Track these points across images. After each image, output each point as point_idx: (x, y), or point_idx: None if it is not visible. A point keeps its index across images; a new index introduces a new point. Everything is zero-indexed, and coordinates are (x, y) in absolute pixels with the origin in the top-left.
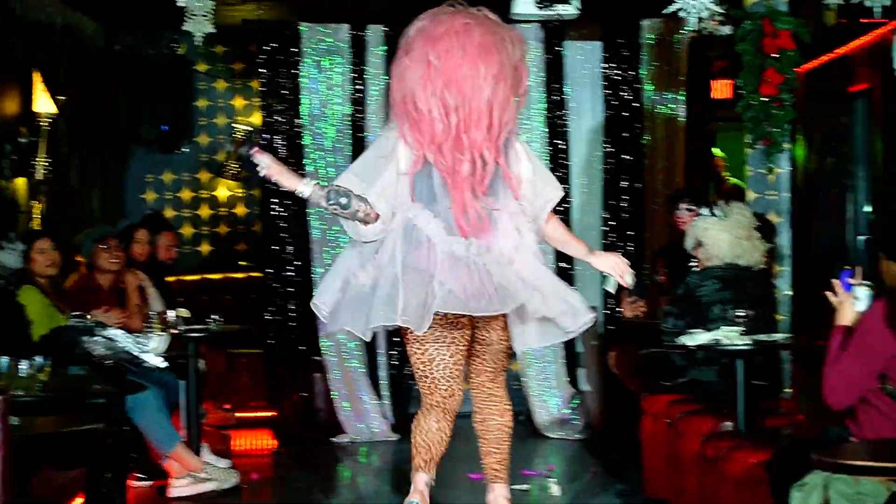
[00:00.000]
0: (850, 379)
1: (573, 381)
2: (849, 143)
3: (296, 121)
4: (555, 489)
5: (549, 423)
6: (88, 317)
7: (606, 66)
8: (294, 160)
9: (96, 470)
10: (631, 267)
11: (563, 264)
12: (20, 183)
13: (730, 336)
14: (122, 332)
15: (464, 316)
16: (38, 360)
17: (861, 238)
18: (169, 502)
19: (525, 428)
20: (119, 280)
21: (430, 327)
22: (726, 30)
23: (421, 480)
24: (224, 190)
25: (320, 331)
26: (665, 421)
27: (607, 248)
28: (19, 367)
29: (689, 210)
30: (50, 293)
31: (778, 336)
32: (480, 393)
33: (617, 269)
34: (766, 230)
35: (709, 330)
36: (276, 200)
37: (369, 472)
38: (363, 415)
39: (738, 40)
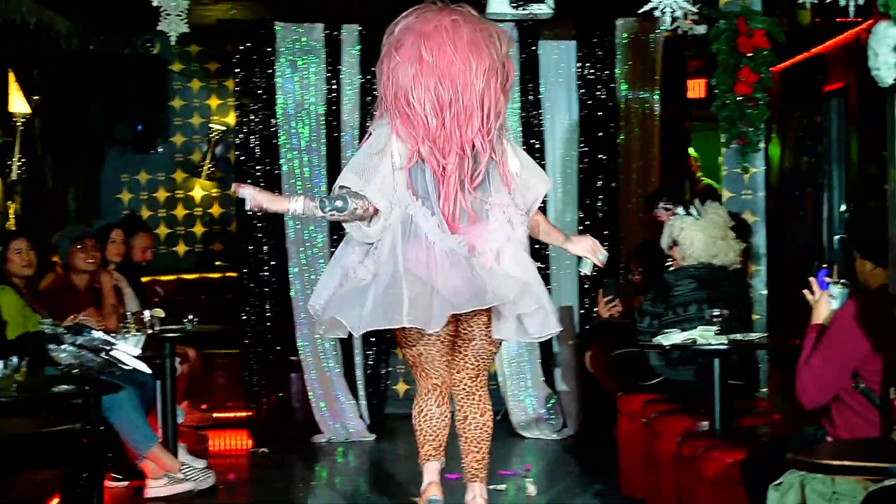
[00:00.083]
0: (822, 378)
1: (550, 381)
2: (824, 142)
3: (271, 120)
4: (531, 489)
5: (525, 422)
6: (71, 320)
7: (581, 65)
8: (269, 160)
9: (72, 470)
10: (606, 267)
11: (538, 264)
12: None
13: (705, 335)
14: (103, 334)
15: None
16: (14, 360)
17: (836, 237)
18: (145, 503)
19: (501, 428)
20: (95, 280)
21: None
22: (701, 29)
23: (434, 470)
24: (199, 190)
25: (298, 330)
26: (641, 421)
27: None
28: None
29: (667, 209)
30: (25, 294)
31: (754, 335)
32: (462, 391)
33: (591, 252)
34: (742, 230)
35: (684, 329)
36: None
37: (346, 471)
38: (340, 415)
39: (712, 39)
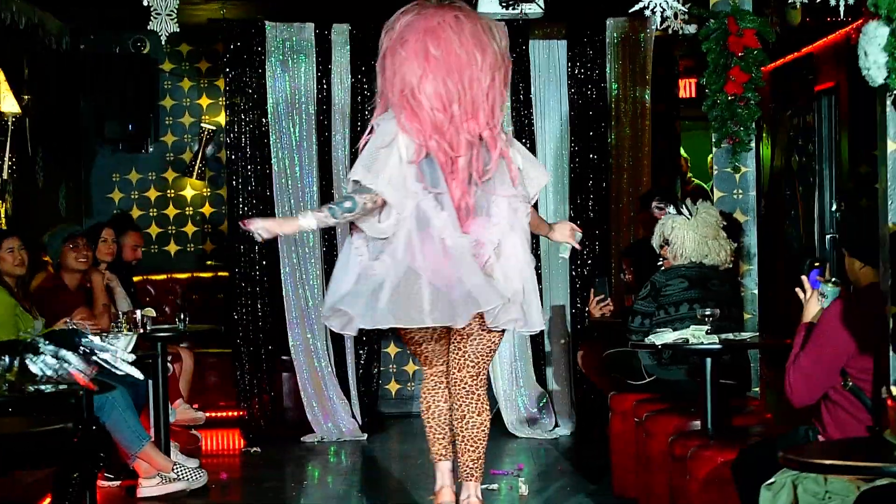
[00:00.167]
0: (810, 377)
1: (542, 381)
2: (814, 141)
3: (262, 119)
4: (524, 488)
5: (518, 422)
6: (63, 323)
7: (572, 65)
8: (260, 159)
9: (64, 470)
10: (598, 266)
11: None
12: None
13: (697, 335)
14: (98, 339)
15: None
16: (6, 360)
17: (828, 236)
18: (138, 502)
19: (494, 427)
20: (86, 280)
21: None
22: (691, 29)
23: (446, 470)
24: (191, 189)
25: (289, 329)
26: (633, 420)
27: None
28: None
29: (660, 208)
30: (17, 293)
31: (745, 335)
32: (462, 389)
33: (570, 236)
34: (733, 229)
35: (676, 329)
36: (243, 199)
37: (338, 471)
38: (332, 414)
39: (702, 39)
